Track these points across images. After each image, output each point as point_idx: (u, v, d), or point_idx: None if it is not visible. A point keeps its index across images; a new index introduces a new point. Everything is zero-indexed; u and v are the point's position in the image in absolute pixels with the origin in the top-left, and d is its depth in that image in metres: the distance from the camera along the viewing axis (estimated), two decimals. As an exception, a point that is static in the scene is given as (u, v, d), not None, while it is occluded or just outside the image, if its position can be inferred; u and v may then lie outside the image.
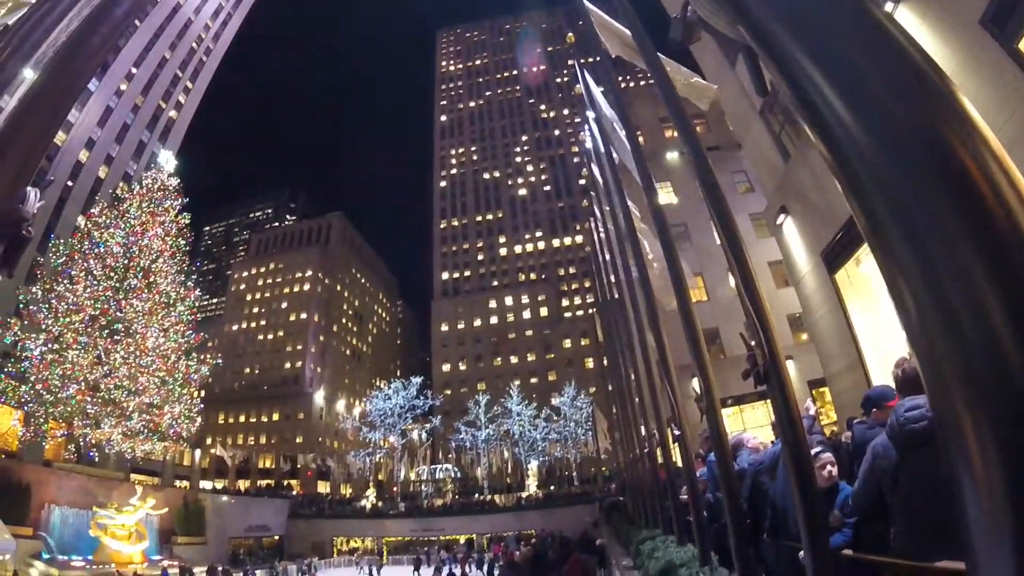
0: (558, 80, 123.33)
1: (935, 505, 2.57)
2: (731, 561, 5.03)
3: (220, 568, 32.85)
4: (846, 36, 1.30)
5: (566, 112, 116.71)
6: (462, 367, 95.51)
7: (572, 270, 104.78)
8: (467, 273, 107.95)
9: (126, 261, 36.32)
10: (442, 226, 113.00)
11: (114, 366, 34.27)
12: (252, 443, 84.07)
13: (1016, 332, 0.98)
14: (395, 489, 61.36)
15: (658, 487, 10.69)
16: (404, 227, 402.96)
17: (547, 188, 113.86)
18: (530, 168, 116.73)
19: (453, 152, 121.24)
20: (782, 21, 1.41)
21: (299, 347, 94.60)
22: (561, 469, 65.86)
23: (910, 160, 1.15)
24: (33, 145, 2.10)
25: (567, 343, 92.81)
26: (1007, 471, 0.98)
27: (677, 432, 7.18)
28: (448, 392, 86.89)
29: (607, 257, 19.79)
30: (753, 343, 3.90)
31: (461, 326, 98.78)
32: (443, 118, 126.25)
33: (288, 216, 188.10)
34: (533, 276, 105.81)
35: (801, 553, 3.51)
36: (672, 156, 31.21)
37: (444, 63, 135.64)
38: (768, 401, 4.04)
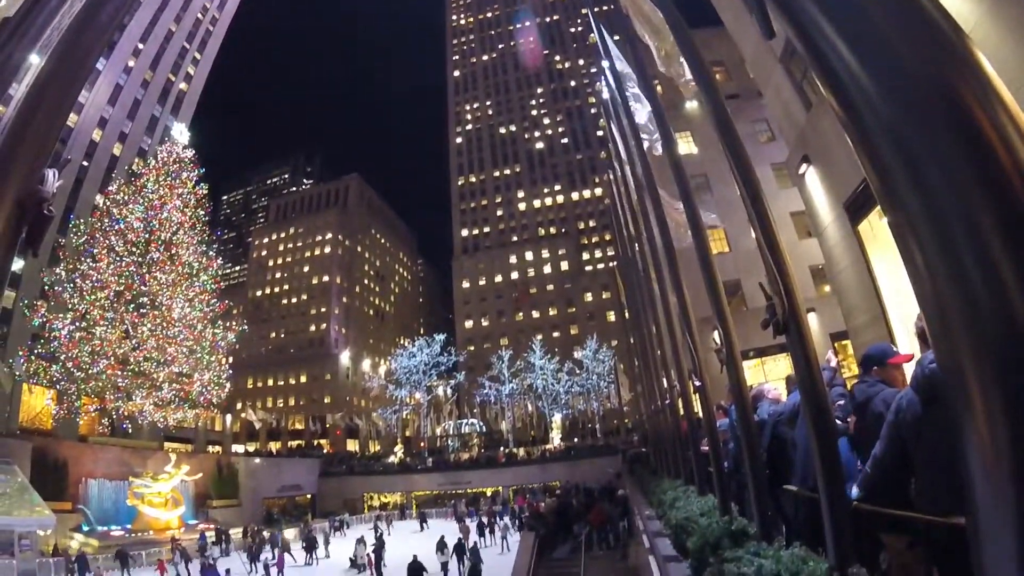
0: (572, 30, 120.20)
1: (958, 460, 2.54)
2: (751, 511, 5.09)
3: (255, 528, 33.96)
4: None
5: (581, 62, 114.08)
6: (484, 323, 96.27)
7: (592, 223, 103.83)
8: (486, 229, 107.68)
9: (147, 235, 36.84)
10: (460, 183, 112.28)
11: (142, 339, 35.08)
12: (281, 406, 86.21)
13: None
14: (422, 444, 62.74)
15: (680, 439, 10.79)
16: (422, 185, 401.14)
17: (564, 140, 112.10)
18: (547, 121, 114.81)
19: (468, 107, 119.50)
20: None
21: (323, 309, 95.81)
22: (584, 422, 66.70)
23: (919, 111, 1.11)
24: (48, 127, 2.16)
25: (588, 297, 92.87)
26: (1010, 426, 0.97)
27: (698, 383, 7.20)
28: (471, 348, 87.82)
29: (627, 210, 19.62)
30: (772, 294, 3.86)
31: (482, 282, 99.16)
32: (456, 73, 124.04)
33: (305, 180, 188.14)
34: (553, 230, 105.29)
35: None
36: (692, 105, 30.43)
37: (455, 17, 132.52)
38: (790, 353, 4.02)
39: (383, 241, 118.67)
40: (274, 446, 72.75)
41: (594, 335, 69.96)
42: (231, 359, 42.41)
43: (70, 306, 34.07)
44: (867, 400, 3.94)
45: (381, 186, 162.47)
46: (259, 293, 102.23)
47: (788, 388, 6.12)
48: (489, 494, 47.48)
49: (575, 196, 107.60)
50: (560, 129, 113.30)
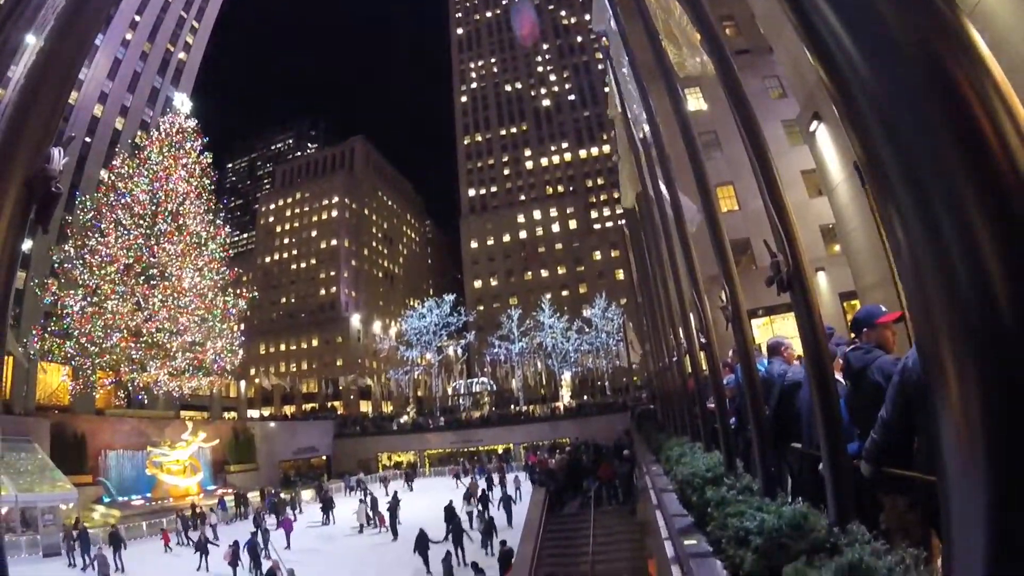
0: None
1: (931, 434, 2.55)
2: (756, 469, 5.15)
3: (272, 491, 34.75)
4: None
5: (587, 17, 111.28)
6: (493, 283, 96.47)
7: (600, 181, 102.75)
8: (494, 189, 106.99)
9: (154, 207, 36.88)
10: (466, 142, 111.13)
11: (153, 310, 35.40)
12: (294, 370, 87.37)
13: (1005, 269, 0.95)
14: (434, 403, 63.56)
15: (687, 396, 10.87)
16: (428, 146, 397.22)
17: (571, 97, 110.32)
18: (553, 78, 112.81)
19: (472, 65, 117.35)
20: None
21: (332, 273, 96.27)
22: (593, 379, 67.33)
23: (908, 85, 1.09)
24: (51, 107, 2.20)
25: (597, 255, 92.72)
26: (983, 403, 0.98)
27: (703, 340, 7.21)
28: (481, 308, 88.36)
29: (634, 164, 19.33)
30: (777, 251, 3.83)
31: (491, 242, 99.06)
32: (459, 31, 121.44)
33: (310, 145, 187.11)
34: (561, 189, 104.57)
35: (821, 465, 3.55)
36: (698, 61, 29.70)
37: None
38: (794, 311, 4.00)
39: (390, 203, 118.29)
40: (288, 410, 74.05)
41: (603, 293, 70.07)
42: (243, 326, 42.80)
43: (80, 282, 34.35)
44: (863, 368, 3.92)
45: (387, 148, 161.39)
46: (268, 259, 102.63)
47: (768, 354, 6.10)
48: (500, 451, 48.29)
49: (583, 154, 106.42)
50: (567, 86, 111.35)
